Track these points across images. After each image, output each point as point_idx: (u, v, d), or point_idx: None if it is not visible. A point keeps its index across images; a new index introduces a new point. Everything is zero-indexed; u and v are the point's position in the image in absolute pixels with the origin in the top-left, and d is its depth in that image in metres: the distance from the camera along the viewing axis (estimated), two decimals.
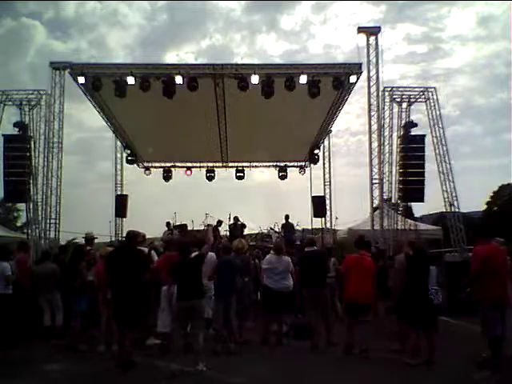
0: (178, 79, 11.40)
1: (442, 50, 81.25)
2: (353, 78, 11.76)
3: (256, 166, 19.16)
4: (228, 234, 14.79)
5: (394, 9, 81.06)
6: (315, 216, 18.30)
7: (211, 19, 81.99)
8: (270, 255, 7.89)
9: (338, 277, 8.15)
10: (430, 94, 13.51)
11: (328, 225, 18.24)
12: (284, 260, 7.58)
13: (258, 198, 26.00)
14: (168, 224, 14.59)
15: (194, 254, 6.29)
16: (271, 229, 15.89)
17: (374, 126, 12.45)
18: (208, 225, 12.03)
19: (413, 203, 16.06)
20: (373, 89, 12.36)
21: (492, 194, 34.67)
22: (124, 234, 17.73)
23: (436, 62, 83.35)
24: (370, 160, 12.47)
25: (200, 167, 19.12)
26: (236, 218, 14.89)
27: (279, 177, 19.26)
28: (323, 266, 7.60)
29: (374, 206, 12.75)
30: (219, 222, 14.75)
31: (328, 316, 7.30)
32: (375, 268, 6.92)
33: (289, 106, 12.62)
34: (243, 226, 14.94)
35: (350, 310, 6.78)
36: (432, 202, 15.32)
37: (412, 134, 13.40)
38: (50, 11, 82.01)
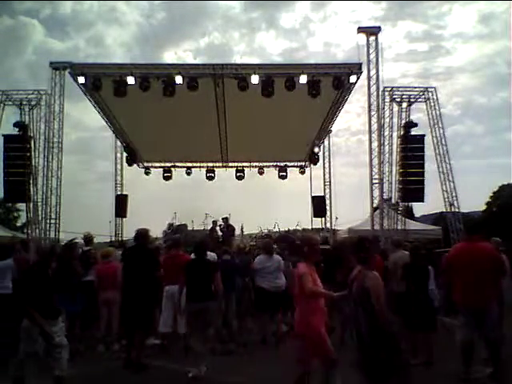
0: (178, 79, 11.41)
1: (443, 48, 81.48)
2: (353, 78, 11.78)
3: (256, 166, 19.17)
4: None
5: (394, 6, 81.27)
6: (315, 216, 18.33)
7: (210, 17, 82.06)
8: (260, 255, 7.92)
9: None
10: (430, 93, 13.54)
11: (328, 225, 18.27)
12: (275, 259, 7.63)
13: (258, 198, 25.97)
14: (170, 224, 14.68)
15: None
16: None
17: (374, 126, 12.45)
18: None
19: (413, 203, 16.08)
20: (373, 88, 12.36)
21: (492, 194, 34.68)
22: (124, 234, 17.81)
23: (437, 61, 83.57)
24: (370, 160, 12.48)
25: (200, 167, 19.14)
26: (226, 219, 14.69)
27: (279, 177, 19.28)
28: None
29: (374, 206, 12.75)
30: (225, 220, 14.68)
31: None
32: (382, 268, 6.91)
33: (289, 106, 12.63)
34: (233, 228, 14.82)
35: None
36: (432, 202, 15.35)
37: (412, 133, 13.42)
38: (48, 9, 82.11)
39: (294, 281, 4.29)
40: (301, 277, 4.08)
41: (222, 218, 14.67)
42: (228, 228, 14.43)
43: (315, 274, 4.19)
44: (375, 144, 12.49)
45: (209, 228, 16.38)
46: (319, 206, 18.11)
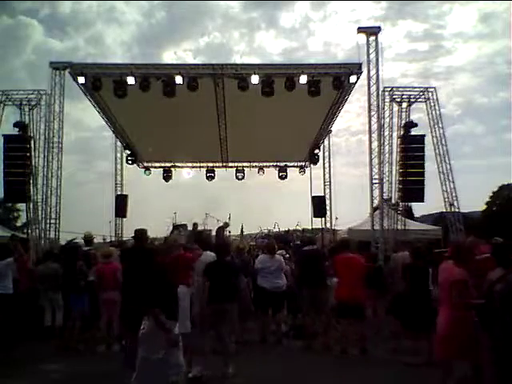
0: (178, 79, 11.40)
1: (443, 48, 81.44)
2: (353, 78, 11.76)
3: (256, 166, 19.14)
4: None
5: (394, 5, 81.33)
6: (315, 216, 18.32)
7: (210, 17, 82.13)
8: (262, 255, 7.92)
9: None
10: (430, 93, 13.53)
11: (328, 225, 18.26)
12: (276, 259, 7.64)
13: (258, 198, 25.99)
14: (175, 225, 14.66)
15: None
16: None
17: (374, 126, 12.42)
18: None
19: (413, 203, 16.08)
20: (373, 88, 12.32)
21: (492, 194, 34.71)
22: (124, 234, 17.80)
23: (437, 60, 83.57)
24: (370, 160, 12.44)
25: (200, 167, 19.14)
26: (195, 225, 14.49)
27: (279, 177, 19.26)
28: (321, 265, 7.61)
29: (374, 205, 12.73)
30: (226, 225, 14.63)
31: (325, 316, 7.28)
32: (365, 268, 6.92)
33: (289, 106, 12.62)
34: (200, 232, 14.67)
35: (341, 311, 6.74)
36: (432, 202, 15.35)
37: (412, 133, 13.42)
38: (47, 9, 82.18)
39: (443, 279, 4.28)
40: (454, 284, 4.12)
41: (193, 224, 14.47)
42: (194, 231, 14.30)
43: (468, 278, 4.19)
44: (375, 144, 12.46)
45: (209, 228, 16.43)
46: (319, 206, 18.09)
